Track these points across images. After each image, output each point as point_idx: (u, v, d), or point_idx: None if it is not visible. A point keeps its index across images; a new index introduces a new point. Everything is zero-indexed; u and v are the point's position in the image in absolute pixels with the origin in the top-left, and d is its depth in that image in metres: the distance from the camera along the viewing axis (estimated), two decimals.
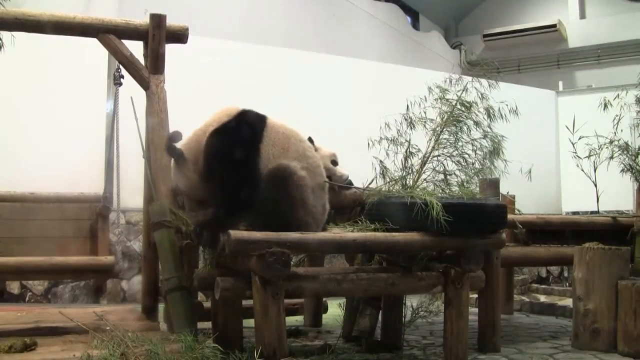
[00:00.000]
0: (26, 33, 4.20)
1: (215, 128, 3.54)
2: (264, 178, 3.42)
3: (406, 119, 4.35)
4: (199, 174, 3.53)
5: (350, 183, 4.39)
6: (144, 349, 3.05)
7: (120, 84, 5.15)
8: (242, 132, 3.52)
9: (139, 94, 4.41)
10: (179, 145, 3.62)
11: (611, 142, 5.43)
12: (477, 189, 4.30)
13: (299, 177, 3.43)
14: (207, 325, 3.76)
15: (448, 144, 4.30)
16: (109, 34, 4.32)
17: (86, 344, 3.23)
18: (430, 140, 4.32)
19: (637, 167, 5.40)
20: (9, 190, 5.31)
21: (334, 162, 4.37)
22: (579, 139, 5.69)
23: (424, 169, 4.23)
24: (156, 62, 4.35)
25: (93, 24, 4.31)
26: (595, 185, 5.69)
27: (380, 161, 4.24)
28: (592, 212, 6.55)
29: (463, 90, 4.39)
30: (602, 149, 5.48)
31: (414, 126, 4.35)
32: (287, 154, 3.50)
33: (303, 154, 3.57)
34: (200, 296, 4.53)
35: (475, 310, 4.46)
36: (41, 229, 5.15)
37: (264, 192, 3.38)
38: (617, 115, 5.55)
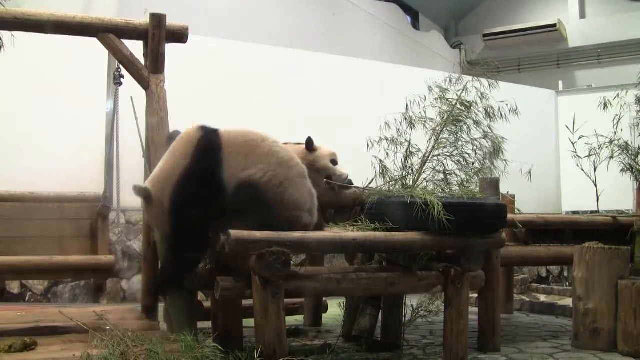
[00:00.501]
0: (26, 33, 4.20)
1: (177, 180, 3.46)
2: (232, 200, 3.41)
3: (406, 119, 4.35)
4: (167, 215, 3.50)
5: (350, 182, 4.39)
6: (143, 348, 3.05)
7: (120, 84, 5.15)
8: (203, 174, 3.47)
9: (139, 93, 4.41)
10: (147, 181, 3.60)
11: (611, 141, 5.43)
12: (477, 188, 4.30)
13: (264, 183, 3.44)
14: (207, 325, 3.76)
15: (448, 143, 4.30)
16: (109, 33, 4.32)
17: (86, 343, 3.23)
18: (430, 139, 4.32)
19: (637, 167, 5.40)
20: (9, 190, 5.32)
21: (334, 162, 4.37)
22: (579, 138, 5.69)
23: (424, 168, 4.23)
24: (156, 62, 4.35)
25: (93, 24, 4.31)
26: (595, 185, 5.69)
27: (380, 161, 4.24)
28: (592, 212, 6.54)
29: (463, 90, 4.39)
30: (602, 149, 5.47)
31: (414, 126, 4.35)
32: (249, 162, 3.48)
33: (268, 153, 3.54)
34: (200, 296, 4.53)
35: (475, 310, 4.46)
36: (41, 229, 5.15)
37: (237, 212, 3.37)
38: (617, 115, 5.55)
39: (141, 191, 3.51)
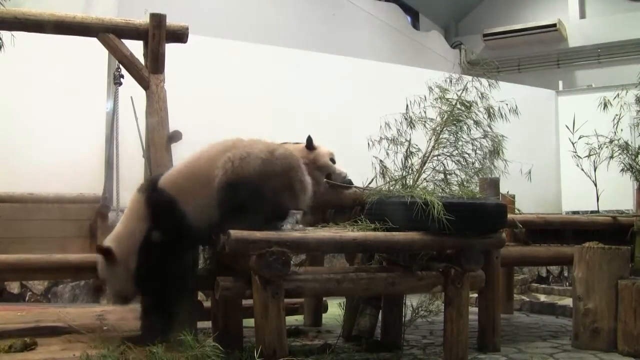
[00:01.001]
0: (26, 33, 4.20)
1: (142, 243, 3.33)
2: (226, 205, 3.31)
3: (406, 119, 4.35)
4: (131, 275, 3.36)
5: (350, 182, 4.39)
6: (143, 348, 3.05)
7: (120, 84, 5.16)
8: (167, 230, 3.34)
9: (139, 93, 4.42)
10: (108, 239, 3.43)
11: (611, 141, 5.42)
12: (477, 188, 4.30)
13: (243, 169, 3.33)
14: (207, 325, 3.76)
15: (448, 143, 4.30)
16: (109, 33, 4.33)
17: (86, 343, 3.24)
18: (430, 139, 4.32)
19: (637, 167, 5.40)
20: (8, 190, 5.31)
21: (332, 161, 4.39)
22: (579, 138, 5.69)
23: (424, 168, 4.23)
24: (156, 62, 4.36)
25: (93, 24, 4.32)
26: (595, 185, 5.69)
27: (380, 161, 4.24)
28: (592, 212, 6.54)
29: (463, 90, 4.39)
30: (602, 149, 5.47)
31: (414, 126, 4.35)
32: (212, 172, 3.35)
33: (217, 151, 3.43)
34: (200, 296, 4.53)
35: (475, 309, 4.46)
36: (41, 230, 5.14)
37: (238, 212, 3.28)
38: (617, 115, 5.55)
39: (104, 250, 3.36)
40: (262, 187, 3.35)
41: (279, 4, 10.03)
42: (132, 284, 3.40)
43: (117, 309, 4.69)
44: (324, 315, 5.23)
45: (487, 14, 14.73)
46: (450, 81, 4.43)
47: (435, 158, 4.27)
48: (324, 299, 5.16)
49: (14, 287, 6.39)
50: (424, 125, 4.38)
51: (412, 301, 4.59)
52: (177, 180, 3.44)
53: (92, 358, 2.96)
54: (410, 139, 4.31)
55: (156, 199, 3.40)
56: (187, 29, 4.53)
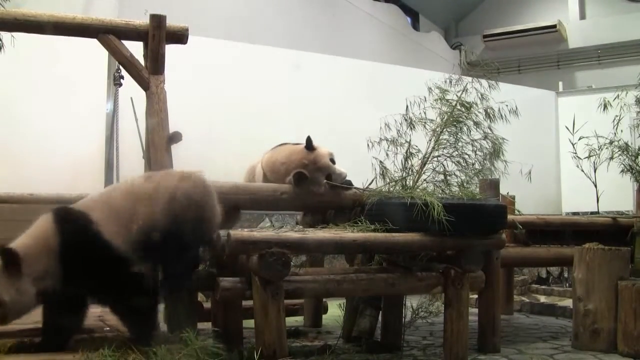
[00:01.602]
0: (26, 33, 4.20)
1: (64, 261, 3.05)
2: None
3: (406, 120, 4.35)
4: (42, 289, 3.01)
5: (350, 183, 4.40)
6: (144, 349, 3.05)
7: (120, 85, 5.16)
8: (87, 245, 3.13)
9: (139, 94, 4.42)
10: (17, 243, 3.06)
11: (611, 142, 5.42)
12: (477, 189, 4.30)
13: (144, 224, 3.19)
14: (207, 325, 3.76)
15: (448, 144, 4.30)
16: (108, 34, 4.33)
17: (86, 344, 3.23)
18: (430, 140, 4.32)
19: (637, 168, 5.40)
20: (7, 191, 5.31)
21: (332, 161, 4.39)
22: (579, 139, 5.69)
23: (424, 169, 4.23)
24: (156, 63, 4.36)
25: (93, 25, 4.32)
26: (595, 186, 5.69)
27: (380, 162, 4.24)
28: (592, 213, 6.54)
29: (463, 91, 4.40)
30: (602, 150, 5.47)
31: (413, 127, 4.36)
32: (127, 218, 3.24)
33: (132, 202, 3.30)
34: (200, 296, 4.53)
35: (475, 310, 4.46)
36: None
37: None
38: (617, 116, 5.55)
39: (9, 253, 2.94)
40: (176, 232, 3.22)
41: (278, 4, 10.03)
42: (30, 304, 3.02)
43: None
44: (324, 316, 5.23)
45: (487, 14, 14.72)
46: (450, 82, 4.44)
47: (435, 159, 4.27)
48: (324, 299, 5.16)
49: None
50: (424, 126, 4.38)
51: (412, 302, 4.59)
52: (92, 205, 3.37)
53: (92, 358, 2.95)
54: (410, 140, 4.31)
55: (69, 214, 3.26)
56: (187, 30, 4.53)
